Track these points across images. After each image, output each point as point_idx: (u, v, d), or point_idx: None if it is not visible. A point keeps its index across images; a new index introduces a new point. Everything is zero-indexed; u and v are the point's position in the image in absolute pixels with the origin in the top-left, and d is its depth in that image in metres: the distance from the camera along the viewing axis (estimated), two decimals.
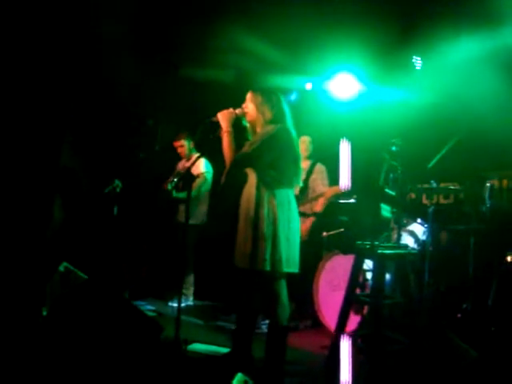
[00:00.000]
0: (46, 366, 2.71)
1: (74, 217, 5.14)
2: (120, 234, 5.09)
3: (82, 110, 5.15)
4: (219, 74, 5.15)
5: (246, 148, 2.97)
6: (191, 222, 4.84)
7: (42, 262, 4.29)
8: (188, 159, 5.05)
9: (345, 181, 3.95)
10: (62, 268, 4.02)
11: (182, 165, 5.13)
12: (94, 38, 4.74)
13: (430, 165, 4.02)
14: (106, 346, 2.81)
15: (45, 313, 3.76)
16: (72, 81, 4.88)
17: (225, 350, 3.36)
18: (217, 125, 3.07)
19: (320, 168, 4.62)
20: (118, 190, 4.85)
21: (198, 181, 4.88)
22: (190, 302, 5.05)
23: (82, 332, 2.83)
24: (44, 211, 4.72)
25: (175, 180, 4.76)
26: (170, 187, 4.77)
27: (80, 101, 5.09)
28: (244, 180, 3.13)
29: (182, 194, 4.83)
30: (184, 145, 5.05)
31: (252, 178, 3.05)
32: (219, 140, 3.06)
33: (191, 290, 5.06)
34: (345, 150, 3.93)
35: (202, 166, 4.93)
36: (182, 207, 4.96)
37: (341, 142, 3.98)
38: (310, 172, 4.55)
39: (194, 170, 4.74)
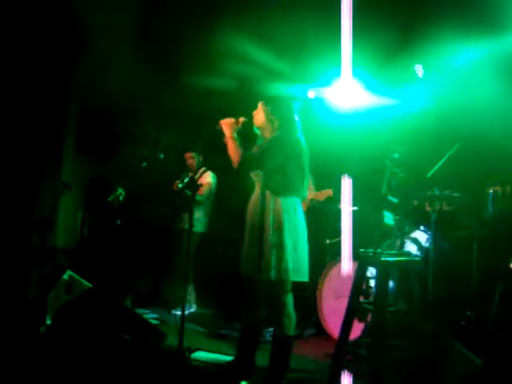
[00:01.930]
0: (49, 374, 2.71)
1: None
2: (123, 242, 5.09)
3: (84, 119, 5.17)
4: (221, 82, 5.19)
5: (255, 150, 3.01)
6: (194, 229, 4.89)
7: (46, 270, 4.30)
8: (195, 172, 5.10)
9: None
10: (66, 276, 4.04)
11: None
12: (96, 45, 4.77)
13: (429, 174, 4.03)
14: (109, 354, 2.81)
15: (48, 321, 3.77)
16: (73, 89, 4.91)
17: (228, 358, 3.35)
18: (220, 133, 3.11)
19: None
20: (121, 198, 4.88)
21: (205, 188, 4.98)
22: (193, 309, 5.05)
23: (86, 340, 2.83)
24: (46, 220, 4.73)
25: (186, 180, 4.81)
26: (181, 186, 4.82)
27: (82, 110, 5.12)
28: (250, 190, 3.16)
29: (198, 197, 4.90)
30: (194, 157, 5.12)
31: (258, 187, 3.07)
32: (223, 150, 3.11)
33: (193, 296, 5.08)
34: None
35: (209, 177, 5.05)
36: (185, 215, 4.99)
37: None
38: None
39: (202, 181, 4.87)
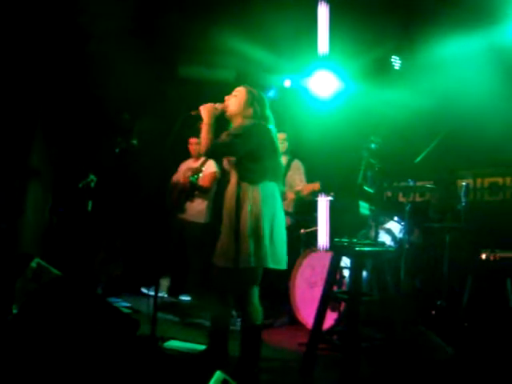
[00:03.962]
0: (16, 364, 2.63)
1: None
2: (94, 229, 4.99)
3: (57, 104, 5.03)
4: (199, 71, 5.14)
5: (223, 137, 2.94)
6: (198, 220, 4.88)
7: (12, 258, 4.18)
8: (197, 159, 5.00)
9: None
10: (34, 264, 3.93)
11: (187, 164, 5.06)
12: (73, 31, 4.64)
13: (417, 160, 4.08)
14: (80, 343, 2.74)
15: (15, 310, 3.67)
16: (46, 73, 4.77)
17: (201, 347, 3.32)
18: (196, 118, 3.05)
19: (297, 164, 4.65)
20: (92, 184, 4.77)
21: (211, 178, 4.91)
22: (165, 296, 5.04)
23: (54, 330, 2.76)
24: (14, 207, 4.61)
25: (197, 175, 4.73)
26: (194, 180, 4.72)
27: (54, 94, 4.97)
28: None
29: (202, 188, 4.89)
30: (199, 144, 5.02)
31: (234, 176, 3.02)
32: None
33: (166, 283, 5.06)
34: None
35: (214, 166, 4.93)
36: (189, 205, 4.94)
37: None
38: (287, 168, 4.55)
39: (207, 169, 4.81)
